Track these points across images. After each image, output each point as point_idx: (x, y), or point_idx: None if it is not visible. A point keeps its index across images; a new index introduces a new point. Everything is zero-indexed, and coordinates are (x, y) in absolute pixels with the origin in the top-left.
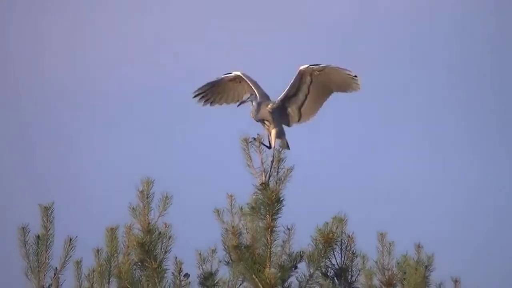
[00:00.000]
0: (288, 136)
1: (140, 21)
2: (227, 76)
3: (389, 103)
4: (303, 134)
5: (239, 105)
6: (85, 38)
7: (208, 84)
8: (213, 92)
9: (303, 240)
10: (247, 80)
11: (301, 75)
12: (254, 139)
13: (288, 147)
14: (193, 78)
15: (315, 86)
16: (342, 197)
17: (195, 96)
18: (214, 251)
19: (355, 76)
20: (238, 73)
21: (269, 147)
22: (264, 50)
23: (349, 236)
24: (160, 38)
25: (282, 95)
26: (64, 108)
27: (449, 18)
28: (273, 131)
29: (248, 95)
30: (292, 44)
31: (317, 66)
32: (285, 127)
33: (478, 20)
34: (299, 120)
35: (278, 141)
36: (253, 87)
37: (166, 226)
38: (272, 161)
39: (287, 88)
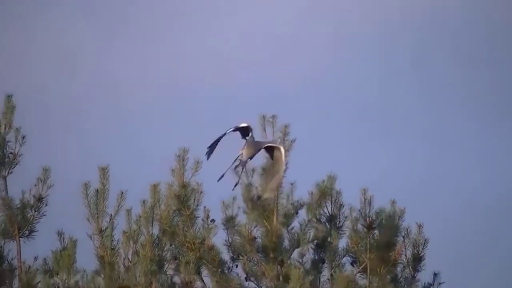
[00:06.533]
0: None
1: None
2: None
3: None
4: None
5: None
6: None
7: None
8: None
9: (301, 194)
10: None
11: (277, 148)
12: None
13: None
14: None
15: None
16: (334, 161)
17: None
18: (234, 199)
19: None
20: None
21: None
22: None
23: (337, 191)
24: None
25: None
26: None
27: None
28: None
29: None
30: None
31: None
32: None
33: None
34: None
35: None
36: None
37: (198, 184)
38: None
39: (263, 142)
